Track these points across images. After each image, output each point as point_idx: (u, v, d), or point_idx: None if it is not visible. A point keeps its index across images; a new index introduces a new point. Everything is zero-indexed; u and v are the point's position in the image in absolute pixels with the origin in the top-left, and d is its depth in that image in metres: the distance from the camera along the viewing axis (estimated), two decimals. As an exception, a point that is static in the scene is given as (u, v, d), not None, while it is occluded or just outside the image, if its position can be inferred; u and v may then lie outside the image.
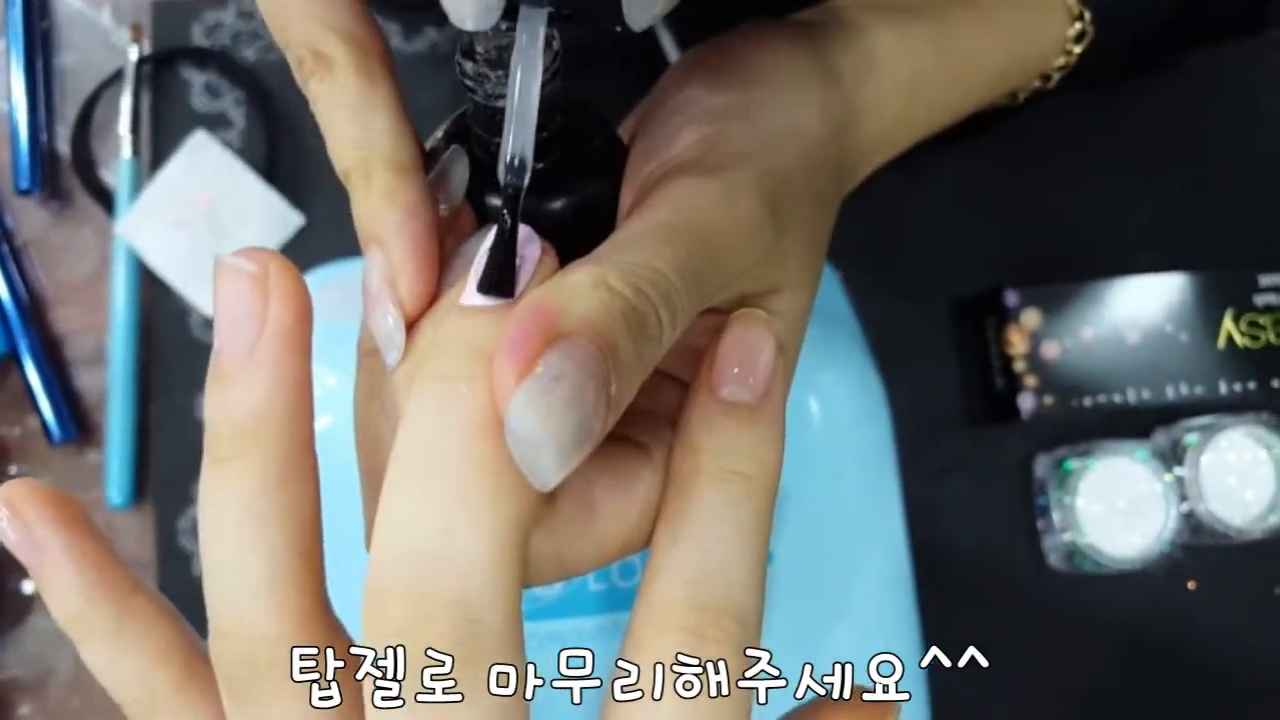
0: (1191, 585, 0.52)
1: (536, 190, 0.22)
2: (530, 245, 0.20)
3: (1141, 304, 0.49)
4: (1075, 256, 0.52)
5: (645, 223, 0.21)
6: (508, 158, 0.19)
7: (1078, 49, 0.39)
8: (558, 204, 0.23)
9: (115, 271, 0.52)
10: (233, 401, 0.19)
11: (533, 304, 0.17)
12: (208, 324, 0.52)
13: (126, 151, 0.52)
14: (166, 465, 0.51)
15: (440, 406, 0.18)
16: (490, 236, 0.20)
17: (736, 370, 0.21)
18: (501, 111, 0.20)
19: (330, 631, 0.20)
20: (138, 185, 0.52)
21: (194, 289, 0.51)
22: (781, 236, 0.24)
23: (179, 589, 0.50)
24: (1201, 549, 0.51)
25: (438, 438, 0.18)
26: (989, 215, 0.53)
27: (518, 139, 0.19)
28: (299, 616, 0.19)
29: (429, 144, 0.24)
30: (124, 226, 0.51)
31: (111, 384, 0.51)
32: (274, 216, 0.51)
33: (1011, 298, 0.49)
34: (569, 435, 0.17)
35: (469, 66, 0.21)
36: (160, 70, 0.53)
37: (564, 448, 0.17)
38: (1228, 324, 0.50)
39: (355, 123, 0.21)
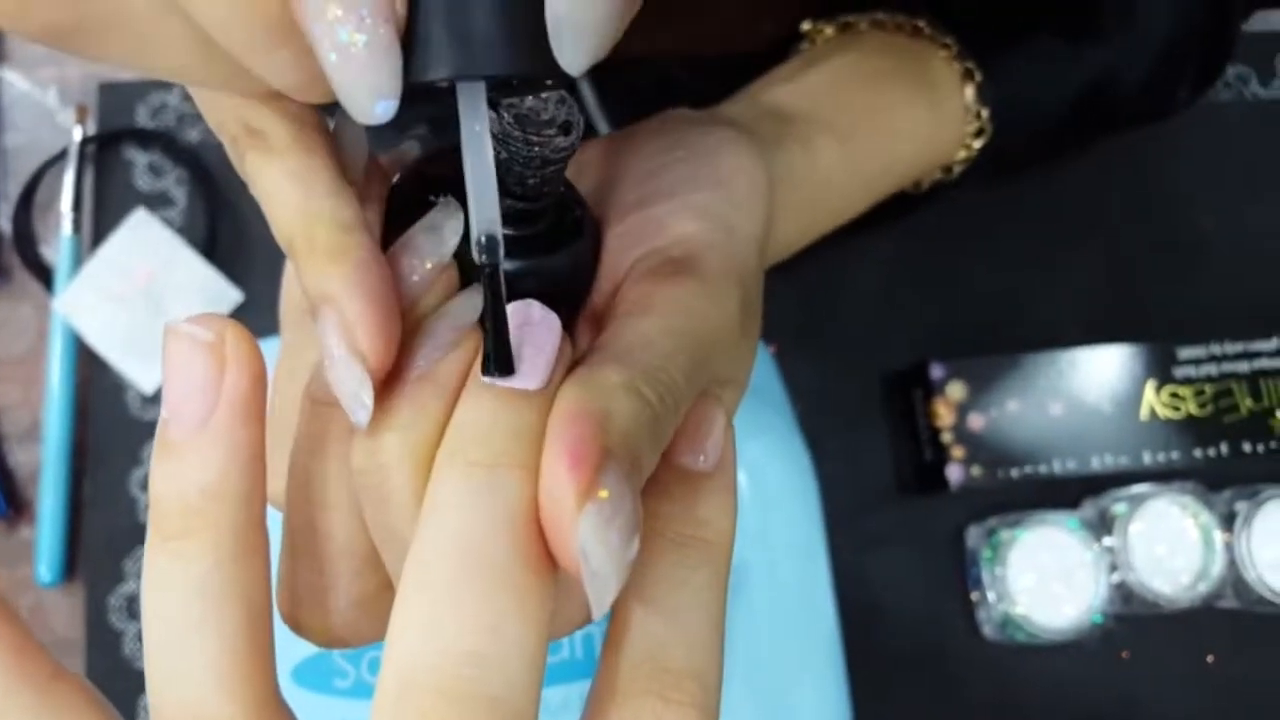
0: (1125, 655, 0.52)
1: (529, 252, 0.22)
2: (550, 331, 0.20)
3: (1065, 376, 0.51)
4: (1000, 331, 0.54)
5: (658, 326, 0.22)
6: (476, 238, 0.19)
7: (977, 144, 0.40)
8: (546, 267, 0.23)
9: (52, 347, 0.52)
10: (183, 475, 0.18)
11: (579, 408, 0.18)
12: (145, 400, 0.52)
13: (67, 229, 0.53)
14: (98, 543, 0.51)
15: (488, 494, 0.18)
16: (469, 300, 0.20)
17: (692, 443, 0.21)
18: (515, 167, 0.21)
19: (283, 716, 0.19)
20: (78, 262, 0.53)
21: (131, 365, 0.52)
22: (744, 339, 0.25)
23: (109, 668, 0.50)
24: (1134, 619, 0.51)
25: (486, 528, 0.17)
26: (917, 292, 0.54)
27: (483, 216, 0.19)
28: (253, 703, 0.18)
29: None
30: (62, 302, 0.51)
31: (45, 460, 0.51)
32: (212, 293, 0.52)
33: (937, 371, 0.50)
34: (627, 561, 0.17)
35: (491, 116, 0.20)
36: (104, 150, 0.54)
37: (622, 574, 0.17)
38: (1149, 396, 0.51)
39: (295, 190, 0.20)
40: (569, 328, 0.22)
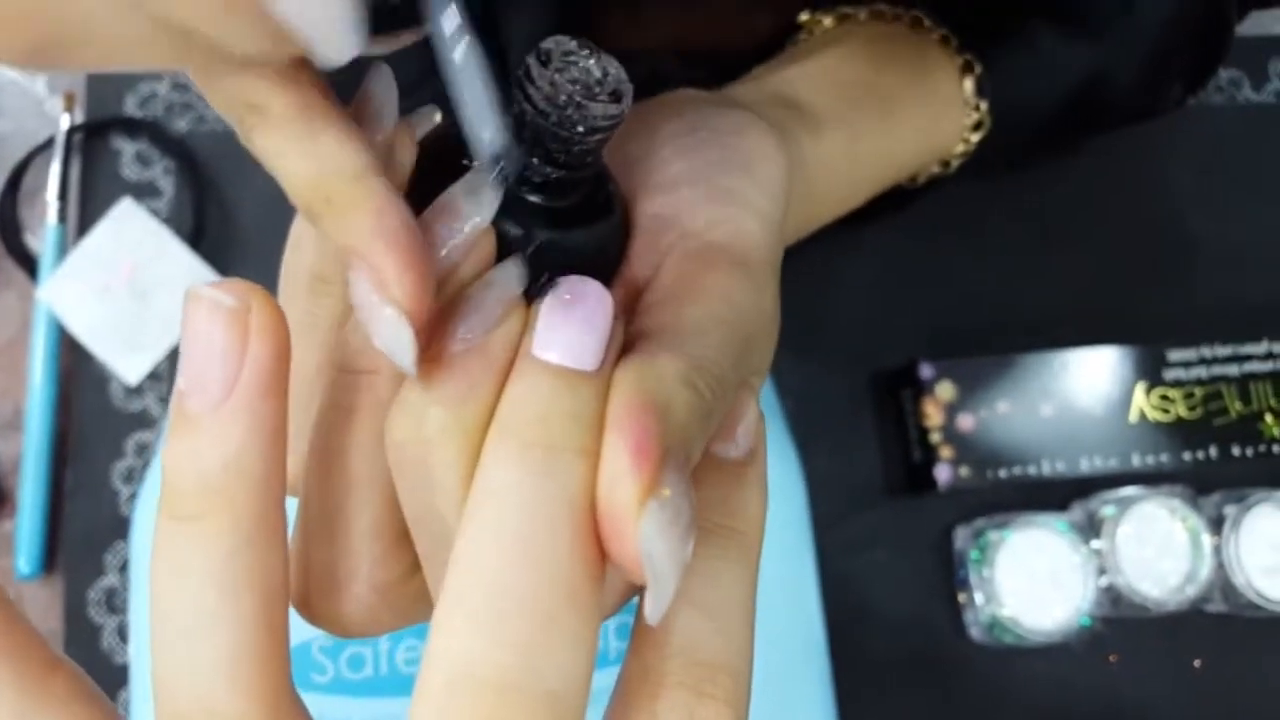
0: (1113, 659, 0.52)
1: (562, 224, 0.21)
2: (604, 310, 0.19)
3: (1054, 378, 0.50)
4: (990, 332, 0.53)
5: (708, 314, 0.21)
6: (491, 152, 0.18)
7: (975, 138, 0.40)
8: (580, 241, 0.22)
9: (35, 337, 0.51)
10: (201, 451, 0.17)
11: (641, 399, 0.17)
12: (128, 392, 0.52)
13: (53, 218, 0.52)
14: (79, 535, 0.50)
15: (546, 479, 0.17)
16: (515, 267, 0.20)
17: (725, 432, 0.21)
18: (561, 133, 0.20)
19: (298, 712, 0.18)
20: (63, 251, 0.52)
21: (115, 356, 0.51)
22: (775, 328, 0.25)
23: (87, 662, 0.49)
24: (1122, 622, 0.51)
25: (545, 516, 0.17)
26: (907, 291, 0.54)
27: (494, 131, 0.18)
28: (268, 697, 0.17)
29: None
30: (46, 291, 0.51)
31: (26, 451, 0.51)
32: (198, 283, 0.51)
33: (926, 370, 0.50)
34: (685, 561, 0.17)
35: (542, 77, 0.19)
36: (92, 139, 0.54)
37: (681, 574, 0.17)
38: (1139, 398, 0.51)
39: (301, 155, 0.19)
40: None
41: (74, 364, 0.52)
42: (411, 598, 0.22)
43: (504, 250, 0.21)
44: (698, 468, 0.20)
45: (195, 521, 0.17)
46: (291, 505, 0.21)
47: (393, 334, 0.18)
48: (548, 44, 0.20)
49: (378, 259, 0.18)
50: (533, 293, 0.20)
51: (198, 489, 0.17)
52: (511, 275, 0.20)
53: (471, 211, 0.20)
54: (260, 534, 0.17)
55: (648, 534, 0.16)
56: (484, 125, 0.18)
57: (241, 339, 0.17)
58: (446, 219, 0.20)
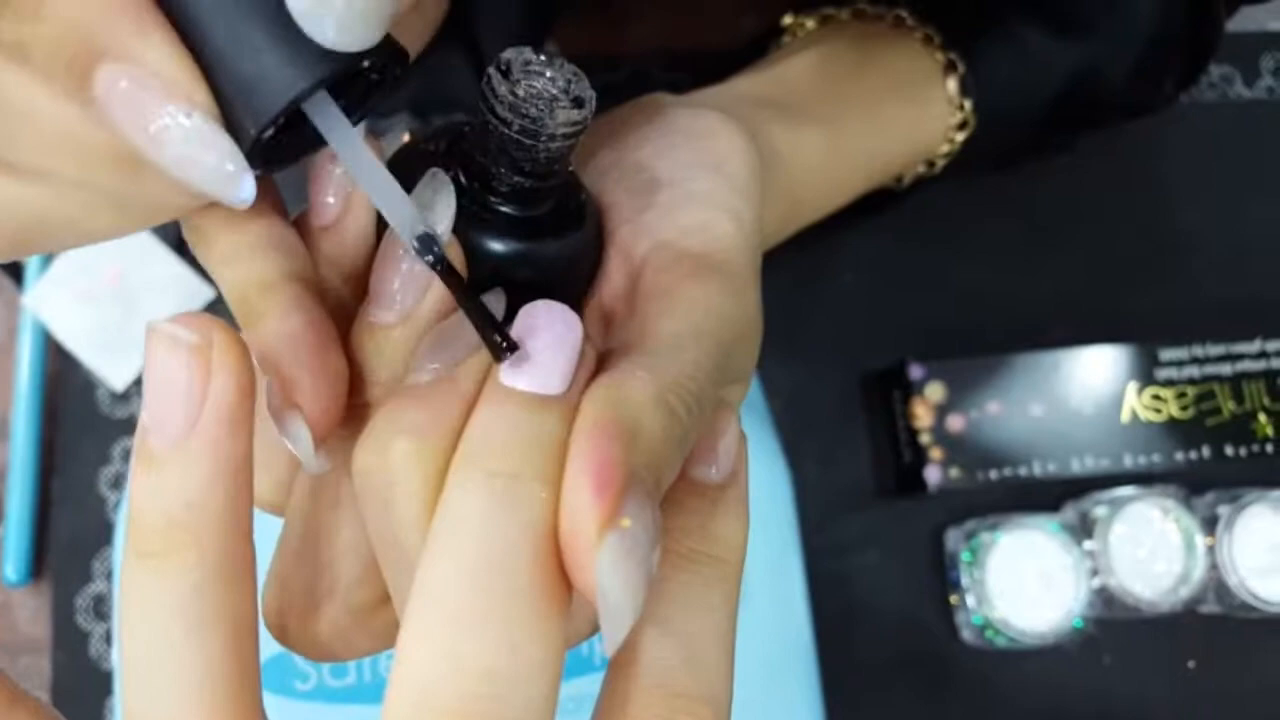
0: (1105, 660, 0.51)
1: (532, 235, 0.21)
2: (570, 331, 0.19)
3: (1045, 378, 0.50)
4: (980, 332, 0.53)
5: (686, 328, 0.21)
6: (409, 240, 0.18)
7: (961, 137, 0.40)
8: (551, 251, 0.22)
9: (21, 343, 0.51)
10: (165, 489, 0.17)
11: (606, 422, 0.17)
12: (115, 398, 0.51)
13: (38, 224, 0.52)
14: (66, 541, 0.50)
15: (508, 507, 0.17)
16: (490, 301, 0.20)
17: (704, 453, 0.20)
18: (525, 141, 0.20)
19: None
20: (48, 258, 0.52)
21: (102, 362, 0.51)
22: (759, 334, 0.24)
23: (75, 668, 0.49)
24: (1115, 624, 0.51)
25: (507, 544, 0.16)
26: (896, 292, 0.54)
27: (402, 219, 0.18)
28: None
29: (407, 141, 0.23)
30: (32, 298, 0.51)
31: (13, 457, 0.50)
32: (184, 289, 0.51)
33: (916, 371, 0.49)
34: (643, 593, 0.17)
35: (503, 87, 0.20)
36: (76, 144, 0.54)
37: (638, 606, 0.17)
38: (1131, 398, 0.50)
39: (227, 270, 0.20)
40: None
41: (60, 370, 0.52)
42: (386, 623, 0.22)
43: (475, 263, 0.21)
44: (676, 491, 0.20)
45: (161, 558, 0.17)
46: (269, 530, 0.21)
47: (301, 442, 0.19)
48: (508, 54, 0.20)
49: (284, 368, 0.19)
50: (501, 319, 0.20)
51: (162, 526, 0.17)
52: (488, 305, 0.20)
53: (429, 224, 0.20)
54: (226, 569, 0.17)
55: (603, 567, 0.16)
56: (397, 214, 0.19)
57: (203, 376, 0.17)
58: (396, 263, 0.20)
